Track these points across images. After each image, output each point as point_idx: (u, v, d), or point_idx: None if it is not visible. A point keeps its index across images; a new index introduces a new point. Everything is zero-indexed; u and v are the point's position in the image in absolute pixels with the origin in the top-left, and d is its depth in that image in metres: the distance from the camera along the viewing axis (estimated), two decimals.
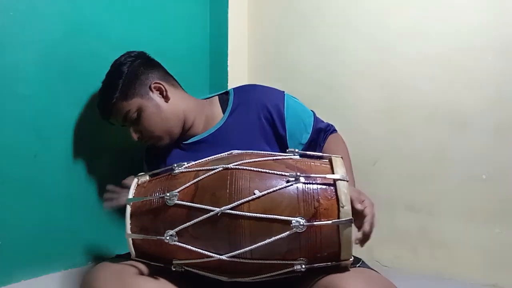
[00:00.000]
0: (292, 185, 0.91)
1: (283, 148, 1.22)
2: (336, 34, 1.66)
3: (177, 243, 0.93)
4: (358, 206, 0.97)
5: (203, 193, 0.94)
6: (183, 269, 0.97)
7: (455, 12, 1.42)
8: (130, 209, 1.00)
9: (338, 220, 0.88)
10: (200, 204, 0.92)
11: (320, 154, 1.07)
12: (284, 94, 1.31)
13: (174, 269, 0.96)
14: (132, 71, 1.24)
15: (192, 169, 1.01)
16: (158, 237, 0.94)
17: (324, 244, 0.90)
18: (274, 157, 1.01)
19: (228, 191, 0.91)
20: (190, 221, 0.92)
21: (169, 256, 0.97)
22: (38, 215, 1.25)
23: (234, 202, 0.90)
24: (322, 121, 1.36)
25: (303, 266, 0.90)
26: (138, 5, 1.51)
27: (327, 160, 1.01)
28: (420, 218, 1.48)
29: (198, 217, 0.91)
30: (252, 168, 0.94)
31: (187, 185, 0.96)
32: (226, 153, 1.06)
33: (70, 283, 1.26)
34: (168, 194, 0.95)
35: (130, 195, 1.02)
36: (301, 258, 0.91)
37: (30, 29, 1.22)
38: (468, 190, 1.40)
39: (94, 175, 1.39)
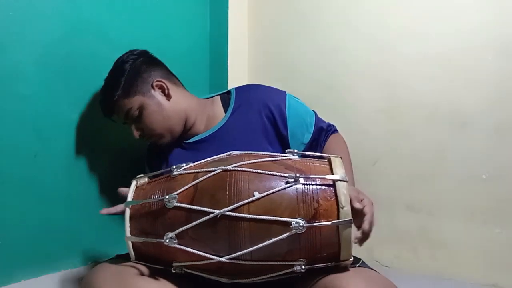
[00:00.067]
0: (291, 186, 0.91)
1: (285, 147, 1.22)
2: (336, 34, 1.66)
3: (177, 245, 0.93)
4: (357, 205, 0.97)
5: (202, 195, 0.94)
6: (183, 271, 0.97)
7: (455, 12, 1.42)
8: (129, 211, 1.00)
9: (337, 220, 0.88)
10: (200, 206, 0.92)
11: (319, 154, 1.07)
12: (286, 94, 1.31)
13: (174, 271, 0.96)
14: (134, 69, 1.24)
15: (191, 171, 1.00)
16: (157, 239, 0.94)
17: (324, 245, 0.90)
18: (273, 158, 1.00)
19: (227, 193, 0.91)
20: (190, 223, 0.91)
21: (169, 258, 0.97)
22: (38, 215, 1.25)
23: (234, 204, 0.89)
24: (324, 121, 1.36)
25: (303, 267, 0.90)
26: (138, 5, 1.52)
27: (326, 161, 1.00)
28: (420, 218, 1.48)
29: (197, 219, 0.91)
30: (251, 170, 0.94)
31: (186, 187, 0.96)
32: (225, 154, 1.06)
33: (70, 283, 1.26)
34: (167, 197, 0.95)
35: (129, 198, 1.02)
36: (301, 259, 0.91)
37: (30, 29, 1.22)
38: (468, 190, 1.40)
39: (94, 175, 1.39)
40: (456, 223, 1.42)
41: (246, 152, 1.06)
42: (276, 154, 1.04)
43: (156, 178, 1.07)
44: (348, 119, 1.60)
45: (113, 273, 0.97)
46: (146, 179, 1.09)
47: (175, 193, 0.95)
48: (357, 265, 1.02)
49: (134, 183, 1.06)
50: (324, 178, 0.92)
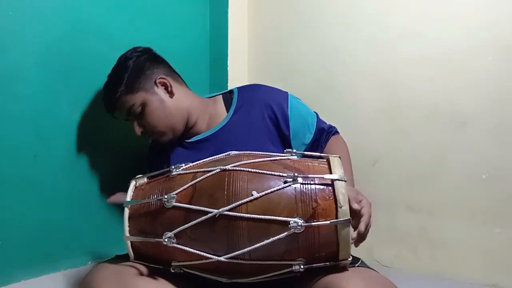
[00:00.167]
0: (290, 185, 0.91)
1: (286, 147, 1.21)
2: (336, 34, 1.66)
3: (176, 245, 0.93)
4: (355, 206, 0.97)
5: (201, 194, 0.94)
6: (181, 271, 0.97)
7: (455, 12, 1.42)
8: (128, 211, 1.00)
9: (336, 220, 0.88)
10: (198, 206, 0.92)
11: (318, 154, 1.07)
12: (288, 95, 1.32)
13: (173, 271, 0.96)
14: (137, 66, 1.25)
15: (189, 171, 1.01)
16: (156, 239, 0.94)
17: (322, 244, 0.90)
18: (272, 158, 1.00)
19: (226, 192, 0.91)
20: (188, 223, 0.92)
21: (167, 258, 0.97)
22: (38, 215, 1.25)
23: (232, 203, 0.90)
24: (325, 122, 1.37)
25: (302, 267, 0.90)
26: (138, 5, 1.52)
27: (325, 160, 1.01)
28: (420, 218, 1.48)
29: (196, 219, 0.91)
30: (249, 169, 0.94)
31: (185, 187, 0.96)
32: (224, 154, 1.06)
33: (70, 283, 1.26)
34: (166, 196, 0.95)
35: (128, 198, 1.02)
36: (300, 259, 0.91)
37: (30, 29, 1.22)
38: (468, 190, 1.40)
39: (94, 175, 1.39)
40: (456, 223, 1.42)
41: (245, 152, 1.06)
42: (275, 154, 1.04)
43: (155, 178, 1.07)
44: (348, 119, 1.60)
45: (113, 273, 0.98)
46: (145, 179, 1.09)
47: (174, 193, 0.95)
48: (356, 265, 1.02)
49: (133, 183, 1.06)
50: (323, 178, 0.92)
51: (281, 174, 0.93)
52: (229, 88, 1.63)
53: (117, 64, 1.27)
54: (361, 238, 0.99)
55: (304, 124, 1.30)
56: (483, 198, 1.38)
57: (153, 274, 0.97)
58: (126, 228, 0.99)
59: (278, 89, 1.35)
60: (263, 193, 0.90)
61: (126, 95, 1.23)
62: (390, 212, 1.52)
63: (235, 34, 1.80)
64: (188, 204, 0.93)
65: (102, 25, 1.40)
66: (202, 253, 0.92)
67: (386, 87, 1.55)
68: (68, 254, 1.33)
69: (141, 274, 0.97)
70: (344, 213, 0.88)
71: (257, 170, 0.94)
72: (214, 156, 1.06)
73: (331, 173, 0.94)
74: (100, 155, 1.41)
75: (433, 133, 1.46)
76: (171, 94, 1.27)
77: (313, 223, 0.88)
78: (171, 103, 1.26)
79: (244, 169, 0.95)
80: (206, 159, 1.05)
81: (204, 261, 0.93)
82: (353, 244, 0.99)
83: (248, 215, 0.89)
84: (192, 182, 0.96)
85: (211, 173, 0.96)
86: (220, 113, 1.33)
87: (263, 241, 0.88)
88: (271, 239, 0.88)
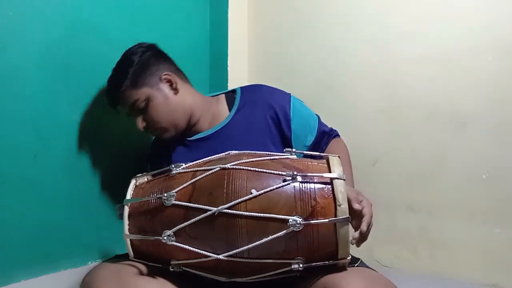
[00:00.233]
0: (289, 184, 0.91)
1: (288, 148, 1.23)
2: (336, 34, 1.66)
3: (175, 243, 0.93)
4: (356, 206, 0.97)
5: (200, 193, 0.94)
6: (181, 270, 0.97)
7: (455, 13, 1.42)
8: (128, 210, 1.00)
9: (335, 218, 0.88)
10: (197, 204, 0.92)
11: (317, 153, 1.07)
12: (291, 96, 1.32)
13: (172, 270, 0.96)
14: (143, 61, 1.25)
15: (189, 170, 1.01)
16: (155, 237, 0.94)
17: (321, 243, 0.90)
18: (271, 157, 1.00)
19: (225, 190, 0.91)
20: (188, 221, 0.92)
21: (167, 256, 0.97)
22: (38, 215, 1.25)
23: (231, 201, 0.90)
24: (326, 125, 1.37)
25: (301, 265, 0.90)
26: (138, 5, 1.52)
27: (324, 160, 1.01)
28: (420, 218, 1.48)
29: (195, 217, 0.91)
30: (249, 168, 0.94)
31: (185, 185, 0.96)
32: (223, 153, 1.06)
33: (70, 283, 1.26)
34: (165, 195, 0.95)
35: (128, 196, 1.03)
36: (299, 257, 0.91)
37: (30, 29, 1.22)
38: (468, 190, 1.40)
39: (94, 175, 1.39)
40: (456, 223, 1.41)
41: (245, 151, 1.06)
42: (274, 153, 1.04)
43: (155, 177, 1.07)
44: (348, 119, 1.60)
45: (113, 272, 0.98)
46: (145, 178, 1.09)
47: (174, 191, 0.95)
48: (356, 264, 1.02)
49: (133, 181, 1.07)
50: (322, 176, 0.92)
51: (280, 172, 0.93)
52: (230, 88, 1.63)
53: (122, 59, 1.27)
54: (362, 238, 0.99)
55: (305, 126, 1.31)
56: (483, 198, 1.38)
57: (152, 273, 0.97)
58: (126, 226, 0.99)
59: (281, 90, 1.35)
60: (262, 191, 0.90)
61: (130, 89, 1.23)
62: (390, 212, 1.52)
63: (235, 34, 1.80)
64: (187, 202, 0.93)
65: (102, 25, 1.40)
66: (201, 251, 0.92)
67: (386, 87, 1.55)
68: (68, 254, 1.33)
69: (141, 273, 0.97)
70: (343, 212, 0.88)
71: (256, 169, 0.94)
72: (214, 155, 1.06)
73: (330, 171, 0.94)
74: (100, 155, 1.41)
75: (433, 133, 1.46)
76: (175, 90, 1.27)
77: (312, 221, 0.88)
78: (175, 99, 1.27)
79: (244, 167, 0.95)
80: (206, 158, 1.06)
81: (203, 259, 0.93)
82: (354, 244, 0.99)
83: (247, 213, 0.89)
84: (192, 181, 0.96)
85: (211, 171, 0.96)
86: (222, 112, 1.33)
87: (262, 239, 0.88)
88: (270, 237, 0.88)
